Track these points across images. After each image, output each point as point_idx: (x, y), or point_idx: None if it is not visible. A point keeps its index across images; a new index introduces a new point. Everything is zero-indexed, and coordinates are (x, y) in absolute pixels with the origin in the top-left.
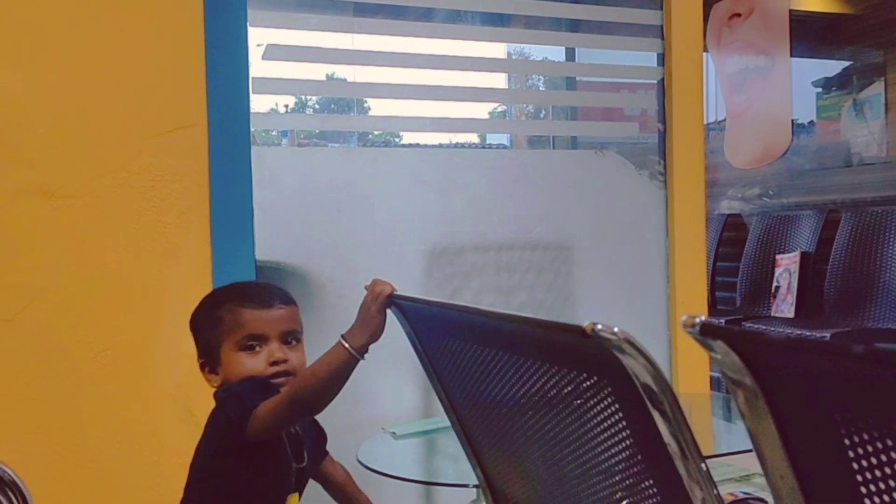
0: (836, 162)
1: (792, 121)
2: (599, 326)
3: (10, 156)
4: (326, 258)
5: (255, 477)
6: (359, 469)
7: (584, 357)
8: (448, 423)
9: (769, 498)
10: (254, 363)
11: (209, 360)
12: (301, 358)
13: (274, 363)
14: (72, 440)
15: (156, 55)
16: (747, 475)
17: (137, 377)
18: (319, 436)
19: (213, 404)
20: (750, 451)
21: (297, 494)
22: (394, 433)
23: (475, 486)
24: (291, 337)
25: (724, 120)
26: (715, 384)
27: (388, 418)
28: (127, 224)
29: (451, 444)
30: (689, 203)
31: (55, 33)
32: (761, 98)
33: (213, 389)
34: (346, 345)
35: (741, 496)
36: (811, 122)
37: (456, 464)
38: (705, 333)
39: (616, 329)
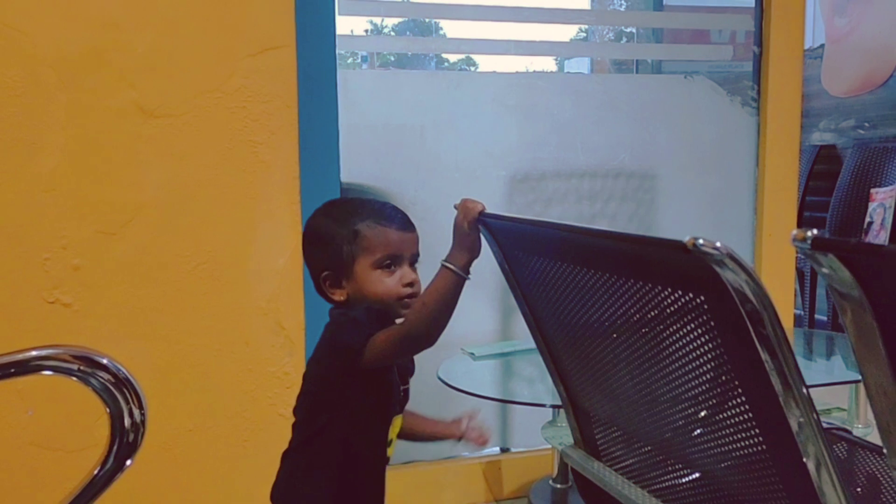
0: None
1: None
2: (701, 241)
3: (112, 76)
4: (409, 181)
5: (366, 398)
6: (439, 386)
7: (682, 274)
8: (524, 347)
9: (853, 430)
10: (391, 282)
11: (335, 272)
12: (420, 282)
13: (407, 285)
14: (174, 346)
15: None
16: (828, 409)
17: (231, 290)
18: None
19: (301, 320)
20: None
21: (401, 416)
22: (472, 354)
23: (551, 406)
24: (416, 260)
25: (819, 47)
26: (800, 322)
27: (466, 339)
28: (221, 143)
29: (527, 367)
30: (783, 132)
31: None
32: (865, 21)
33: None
34: (452, 266)
35: (825, 426)
36: None
37: (531, 385)
38: (817, 247)
39: (718, 243)
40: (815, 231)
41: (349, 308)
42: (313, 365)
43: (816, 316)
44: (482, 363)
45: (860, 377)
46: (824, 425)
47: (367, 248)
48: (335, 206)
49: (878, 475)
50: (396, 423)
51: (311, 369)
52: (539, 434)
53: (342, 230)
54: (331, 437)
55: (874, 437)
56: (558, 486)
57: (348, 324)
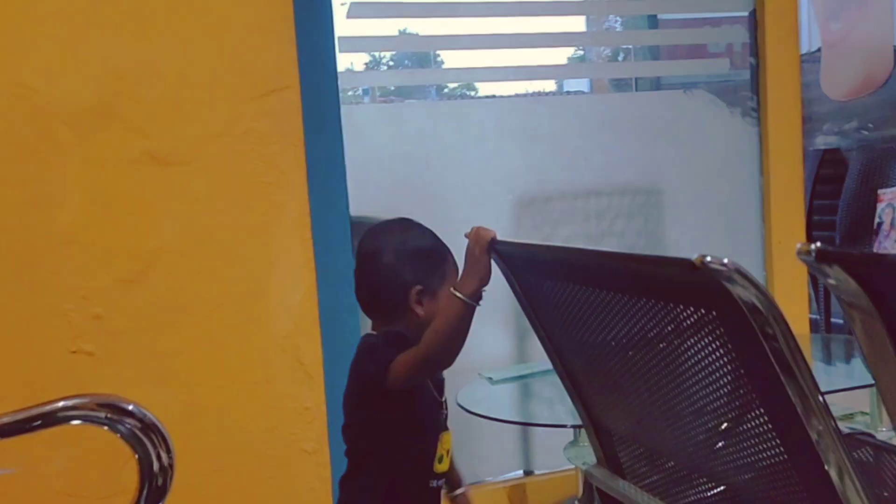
0: None
1: (893, 47)
2: (709, 258)
3: (124, 127)
4: (416, 211)
5: (404, 418)
6: (459, 412)
7: (692, 291)
8: (541, 368)
9: (876, 434)
10: None
11: (428, 287)
12: None
13: None
14: (195, 388)
15: (249, 20)
16: (850, 413)
17: (250, 329)
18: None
19: (319, 354)
20: (850, 388)
21: (448, 432)
22: (490, 378)
23: (572, 427)
24: None
25: (817, 51)
26: (816, 327)
27: (484, 364)
28: (232, 186)
29: (546, 388)
30: (785, 139)
31: (155, 6)
32: (859, 24)
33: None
34: (459, 294)
35: (848, 432)
36: None
37: (551, 406)
38: (821, 259)
39: (726, 260)
40: (818, 244)
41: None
42: (346, 395)
43: (833, 319)
44: (500, 387)
45: None
46: (847, 431)
47: (451, 272)
48: (420, 225)
49: None
50: (445, 439)
51: (345, 400)
52: (562, 455)
53: (442, 251)
54: (377, 460)
55: None
56: None
57: (367, 352)
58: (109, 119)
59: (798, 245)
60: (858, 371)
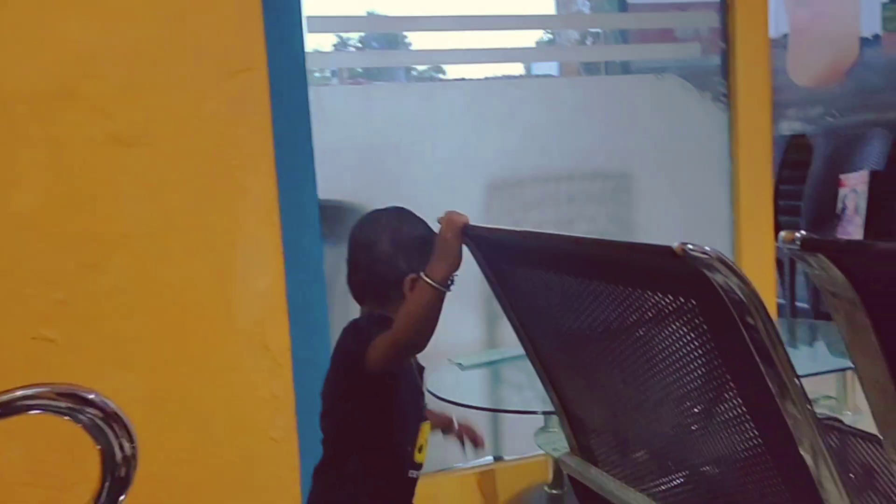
0: None
1: (859, 36)
2: (690, 246)
3: (87, 107)
4: (387, 195)
5: (386, 404)
6: (429, 399)
7: (672, 278)
8: (511, 354)
9: (842, 418)
10: None
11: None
12: None
13: None
14: (161, 376)
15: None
16: (815, 398)
17: (216, 316)
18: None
19: (287, 341)
20: (814, 374)
21: (428, 422)
22: (460, 364)
23: (543, 413)
24: None
25: (783, 37)
26: (781, 311)
27: (453, 350)
28: (198, 169)
29: (516, 374)
30: (755, 124)
31: None
32: (826, 11)
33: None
34: (429, 280)
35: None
36: (876, 36)
37: (521, 392)
38: (806, 248)
39: (707, 248)
40: (803, 232)
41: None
42: (327, 380)
43: (797, 304)
44: (470, 373)
45: (847, 365)
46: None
47: None
48: (413, 215)
49: (871, 462)
50: (425, 429)
51: (326, 385)
52: (532, 441)
53: (433, 239)
54: (358, 448)
55: (863, 425)
56: (554, 491)
57: (350, 332)
58: (71, 100)
59: (782, 234)
60: (822, 355)
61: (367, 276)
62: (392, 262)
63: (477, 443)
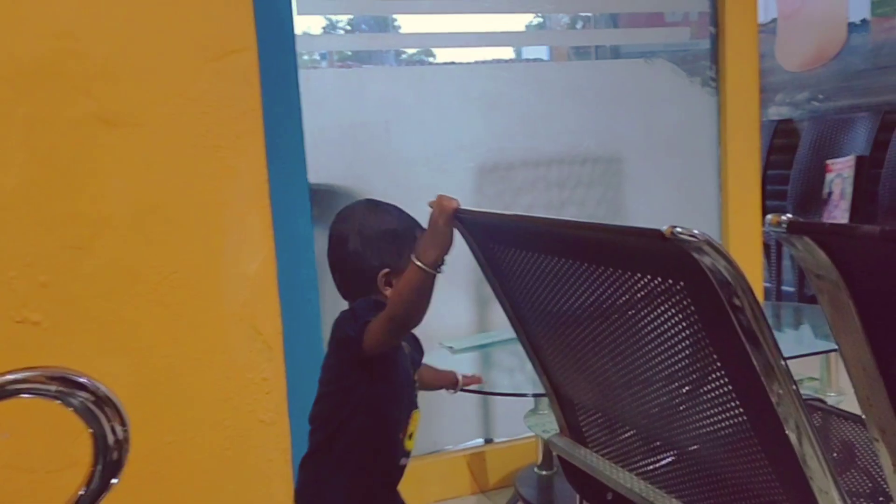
0: (893, 61)
1: (847, 20)
2: (679, 229)
3: (68, 86)
4: (377, 178)
5: (380, 391)
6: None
7: (660, 261)
8: (502, 338)
9: (825, 398)
10: None
11: (396, 270)
12: None
13: None
14: (149, 358)
15: None
16: (799, 379)
17: (205, 298)
18: (419, 346)
19: (278, 324)
20: (799, 356)
21: (419, 410)
22: (451, 347)
23: (533, 395)
24: None
25: (771, 22)
26: (768, 294)
27: (444, 333)
28: (186, 150)
29: (506, 357)
30: (743, 109)
31: None
32: None
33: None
34: (419, 263)
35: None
36: (864, 21)
37: (511, 375)
38: (792, 231)
39: (696, 231)
40: (789, 215)
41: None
42: (325, 366)
43: (783, 287)
44: (462, 356)
45: (831, 347)
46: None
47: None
48: (388, 206)
49: (853, 441)
50: (416, 417)
51: (323, 372)
52: (521, 423)
53: (409, 231)
54: (351, 434)
55: (846, 405)
56: (543, 472)
57: (346, 318)
58: (54, 78)
59: (769, 217)
60: (807, 338)
61: (343, 273)
62: (362, 259)
63: (478, 381)
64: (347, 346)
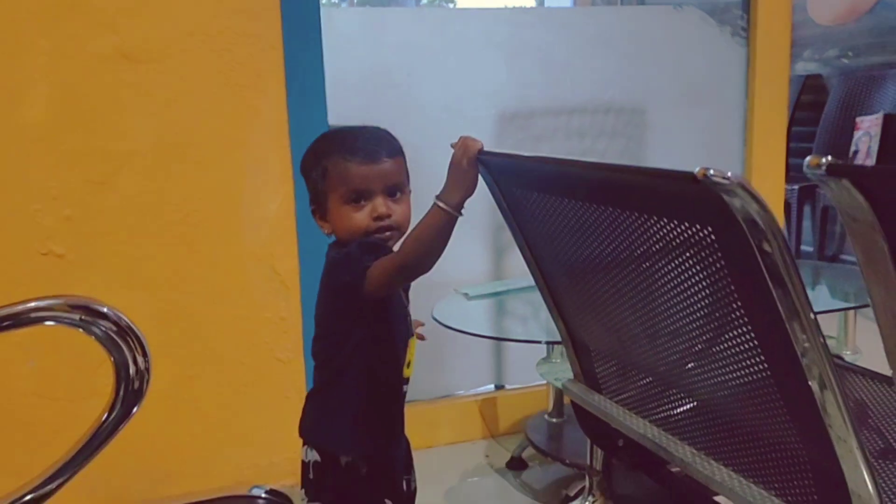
0: None
1: None
2: (712, 171)
3: (91, 21)
4: (397, 122)
5: (380, 327)
6: (435, 326)
7: (689, 206)
8: (516, 286)
9: (843, 356)
10: (359, 217)
11: (318, 208)
12: (406, 211)
13: (377, 218)
14: (168, 294)
15: None
16: None
17: (224, 237)
18: None
19: (295, 265)
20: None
21: (414, 338)
22: (466, 294)
23: (546, 343)
24: (397, 190)
25: None
26: None
27: (460, 280)
28: (206, 88)
29: (520, 305)
30: (773, 62)
31: None
32: None
33: (297, 248)
34: (442, 205)
35: None
36: None
37: (525, 323)
38: (832, 173)
39: (729, 173)
40: (829, 157)
41: (343, 243)
42: (319, 308)
43: (802, 247)
44: (476, 303)
45: (848, 305)
46: None
47: (333, 185)
48: (318, 141)
49: (867, 399)
50: (412, 345)
51: (318, 312)
52: (533, 371)
53: (316, 167)
54: (354, 370)
55: (862, 363)
56: (553, 420)
57: (343, 261)
58: (77, 11)
59: (808, 158)
60: (825, 297)
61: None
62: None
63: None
64: (347, 294)
